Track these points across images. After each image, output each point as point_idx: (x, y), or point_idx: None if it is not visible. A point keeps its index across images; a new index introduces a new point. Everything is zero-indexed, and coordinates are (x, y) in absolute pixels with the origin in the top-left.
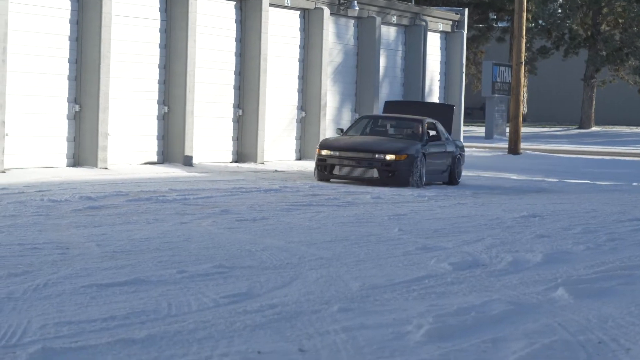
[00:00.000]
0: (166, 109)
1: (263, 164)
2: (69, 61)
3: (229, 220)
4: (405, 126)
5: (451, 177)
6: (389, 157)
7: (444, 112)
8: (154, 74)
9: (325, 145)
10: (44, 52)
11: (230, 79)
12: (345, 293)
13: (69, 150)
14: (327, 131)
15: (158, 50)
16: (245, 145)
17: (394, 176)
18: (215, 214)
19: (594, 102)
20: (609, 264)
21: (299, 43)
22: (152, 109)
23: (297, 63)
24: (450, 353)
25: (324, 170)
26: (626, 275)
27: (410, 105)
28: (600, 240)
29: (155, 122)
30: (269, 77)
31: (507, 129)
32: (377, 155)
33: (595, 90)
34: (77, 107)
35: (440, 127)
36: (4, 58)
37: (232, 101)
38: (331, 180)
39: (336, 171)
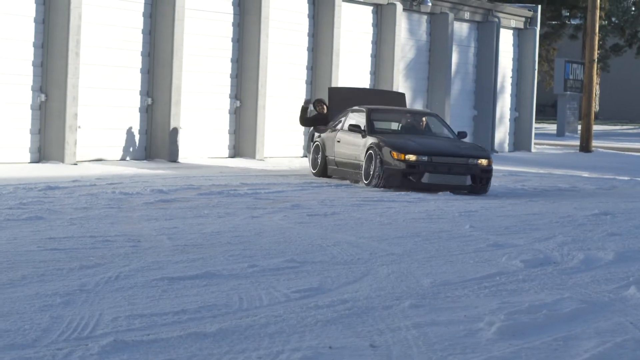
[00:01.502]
0: (238, 103)
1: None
2: (142, 54)
3: (300, 214)
4: (418, 120)
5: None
6: (482, 162)
7: (395, 100)
8: (227, 67)
9: (406, 148)
10: (117, 45)
11: (302, 74)
12: (417, 289)
13: (140, 144)
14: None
15: (231, 44)
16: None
17: (483, 183)
18: (287, 208)
19: None
20: None
21: (371, 38)
22: (224, 103)
23: (369, 59)
24: (522, 351)
25: (408, 178)
26: None
27: (357, 93)
28: None
29: (227, 116)
30: (341, 72)
31: (579, 127)
32: (470, 161)
33: None
34: (149, 100)
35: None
36: (77, 51)
37: (304, 96)
38: (416, 189)
39: (425, 179)
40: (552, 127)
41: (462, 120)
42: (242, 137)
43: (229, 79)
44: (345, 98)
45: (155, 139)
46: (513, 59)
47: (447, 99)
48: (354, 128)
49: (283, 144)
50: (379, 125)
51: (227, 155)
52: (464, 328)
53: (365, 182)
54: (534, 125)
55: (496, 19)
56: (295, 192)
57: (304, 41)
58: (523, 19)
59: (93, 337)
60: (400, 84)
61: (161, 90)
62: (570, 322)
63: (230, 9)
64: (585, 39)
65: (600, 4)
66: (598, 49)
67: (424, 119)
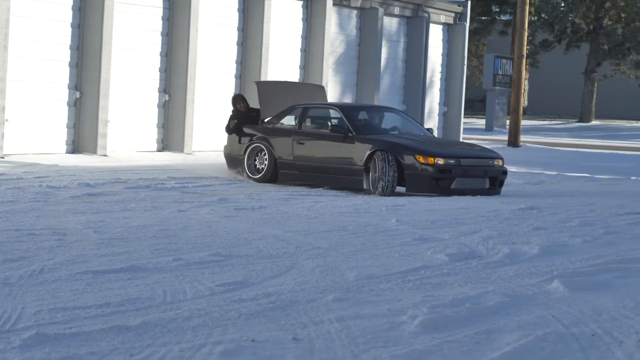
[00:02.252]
0: (167, 96)
1: None
2: (71, 48)
3: (227, 208)
4: (391, 120)
5: None
6: (499, 162)
7: (315, 94)
8: (156, 61)
9: (432, 151)
10: (45, 38)
11: (232, 68)
12: (341, 283)
13: (69, 137)
14: None
15: (160, 38)
16: None
17: (499, 185)
18: (214, 202)
19: (595, 96)
20: (605, 257)
21: (301, 33)
22: (153, 97)
23: (299, 53)
24: (444, 344)
25: (438, 183)
26: (622, 268)
27: (284, 86)
28: (597, 233)
29: (156, 110)
30: (270, 66)
31: (508, 122)
32: (490, 162)
33: (596, 84)
34: (77, 94)
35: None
36: (5, 44)
37: (233, 90)
38: (444, 194)
39: (454, 184)
40: (480, 122)
41: None
42: (171, 131)
43: (158, 73)
44: (275, 92)
45: (84, 133)
46: (442, 54)
47: (377, 93)
48: (339, 128)
49: (212, 138)
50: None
51: (155, 149)
52: (387, 321)
53: (371, 189)
54: (463, 120)
55: (426, 14)
56: (222, 186)
57: (233, 35)
58: (453, 14)
59: (15, 331)
60: (330, 78)
61: (90, 83)
62: (493, 316)
63: (160, 3)
64: (514, 34)
65: (529, 0)
66: (527, 45)
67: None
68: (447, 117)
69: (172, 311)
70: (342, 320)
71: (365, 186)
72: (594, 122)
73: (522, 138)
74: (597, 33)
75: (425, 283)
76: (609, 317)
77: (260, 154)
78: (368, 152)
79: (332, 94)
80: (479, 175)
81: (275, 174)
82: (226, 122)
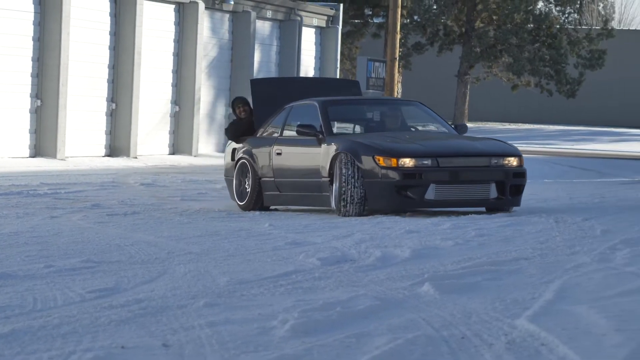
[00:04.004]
0: (39, 102)
1: (136, 158)
2: None
3: (100, 214)
4: (395, 114)
5: None
6: (511, 161)
7: (347, 90)
8: (27, 66)
9: (398, 149)
10: None
11: (104, 73)
12: (213, 288)
13: None
14: (201, 126)
15: (31, 42)
16: (118, 139)
17: (514, 194)
18: (86, 208)
19: (468, 98)
20: (476, 259)
21: (173, 37)
22: (24, 102)
23: (172, 57)
24: (314, 348)
25: (404, 194)
26: (493, 270)
27: (291, 85)
28: (469, 235)
29: (28, 115)
30: (143, 71)
31: None
32: (493, 161)
33: (469, 87)
34: None
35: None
36: None
37: (106, 95)
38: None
39: (431, 194)
40: None
41: None
42: (43, 137)
43: (30, 78)
44: (275, 93)
45: None
46: (315, 57)
47: (250, 97)
48: (304, 130)
49: (85, 144)
50: (342, 125)
51: (27, 155)
52: (258, 326)
53: (335, 207)
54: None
55: (298, 18)
56: (95, 192)
57: (105, 40)
58: (325, 17)
59: None
60: (203, 82)
61: None
62: (363, 319)
63: (31, 7)
64: (387, 37)
65: (402, 3)
66: (400, 48)
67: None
68: None
69: (42, 319)
70: (213, 325)
71: (333, 204)
72: (468, 125)
73: None
74: (469, 35)
75: (296, 287)
76: (478, 319)
77: (248, 173)
78: (331, 157)
79: (205, 98)
80: (476, 179)
81: (261, 198)
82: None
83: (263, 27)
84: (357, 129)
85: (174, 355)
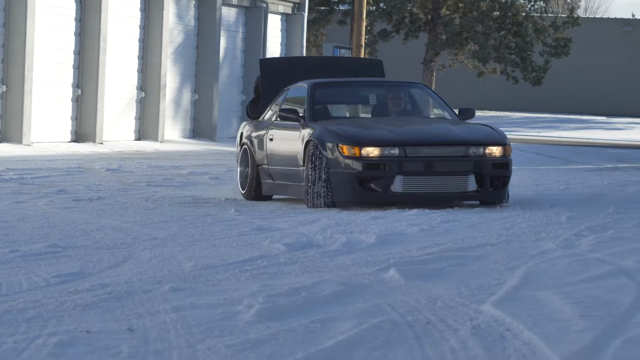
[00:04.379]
0: (4, 88)
1: (102, 143)
2: None
3: (66, 199)
4: (396, 97)
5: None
6: (493, 150)
7: (366, 71)
8: None
9: (362, 137)
10: None
11: (69, 59)
12: (178, 273)
13: None
14: (167, 112)
15: None
16: (84, 125)
17: (497, 186)
18: (52, 193)
19: (434, 85)
20: (441, 245)
21: (139, 23)
22: None
23: (137, 43)
24: (280, 333)
25: (367, 187)
26: (458, 256)
27: (302, 65)
28: (435, 221)
29: None
30: (109, 57)
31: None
32: (472, 150)
33: (434, 74)
34: None
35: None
36: None
37: (72, 81)
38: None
39: (398, 186)
40: None
41: (231, 105)
42: (9, 122)
43: None
44: (285, 73)
45: None
46: (281, 44)
47: (216, 83)
48: (287, 114)
49: (51, 129)
50: (334, 108)
51: None
52: (223, 311)
53: (304, 199)
54: None
55: (264, 4)
56: (61, 177)
57: (71, 26)
58: (291, 4)
59: None
60: (169, 68)
61: None
62: (328, 305)
63: None
64: (353, 24)
65: None
66: (366, 35)
67: (401, 95)
68: None
69: (6, 303)
70: (178, 310)
71: (304, 195)
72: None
73: None
74: (435, 23)
75: (262, 273)
76: (443, 304)
77: (249, 159)
78: (304, 145)
79: (171, 84)
80: (451, 171)
81: (259, 186)
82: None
83: (229, 14)
84: (350, 113)
85: (138, 339)
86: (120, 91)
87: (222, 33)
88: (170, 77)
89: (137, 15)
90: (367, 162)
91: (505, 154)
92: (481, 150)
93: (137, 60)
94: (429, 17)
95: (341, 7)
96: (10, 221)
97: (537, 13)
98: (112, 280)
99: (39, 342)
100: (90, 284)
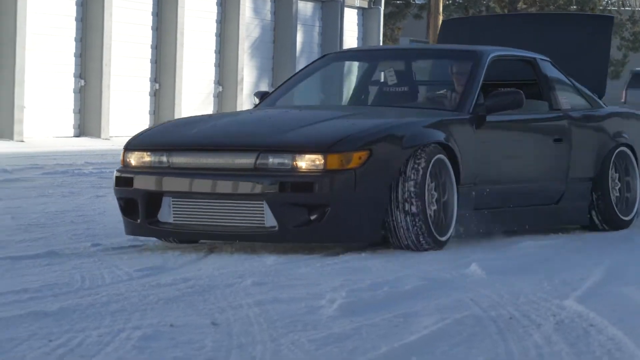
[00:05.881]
0: (82, 82)
1: None
2: None
3: None
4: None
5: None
6: (301, 161)
7: (593, 35)
8: (70, 47)
9: (139, 138)
10: None
11: (147, 53)
12: (260, 267)
13: None
14: (245, 105)
15: (74, 23)
16: (162, 119)
17: (322, 222)
18: None
19: None
20: (523, 241)
21: (215, 17)
22: (68, 82)
23: (214, 37)
24: (362, 327)
25: (131, 213)
26: (539, 252)
27: (497, 26)
28: None
29: (72, 95)
30: (186, 51)
31: None
32: (270, 160)
33: None
34: None
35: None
36: None
37: (149, 75)
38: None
39: (166, 214)
40: None
41: None
42: (87, 116)
43: (73, 58)
44: (468, 38)
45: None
46: (357, 38)
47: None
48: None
49: (128, 123)
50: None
51: (72, 135)
52: (306, 305)
53: None
54: None
55: None
56: None
57: (148, 20)
58: None
59: None
60: (246, 63)
61: (4, 69)
62: (411, 299)
63: None
64: (429, 18)
65: None
66: None
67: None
68: None
69: (90, 297)
70: (261, 304)
71: None
72: None
73: None
74: None
75: (344, 267)
76: (526, 299)
77: None
78: None
79: (248, 79)
80: (235, 193)
81: None
82: None
83: (305, 8)
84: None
85: (222, 333)
86: (198, 85)
87: (298, 27)
88: (247, 72)
89: (213, 10)
90: (123, 175)
91: (327, 167)
92: (285, 159)
93: (214, 55)
94: (506, 10)
95: (417, 1)
96: (92, 215)
97: (614, 7)
98: (194, 275)
99: (123, 336)
100: (173, 278)
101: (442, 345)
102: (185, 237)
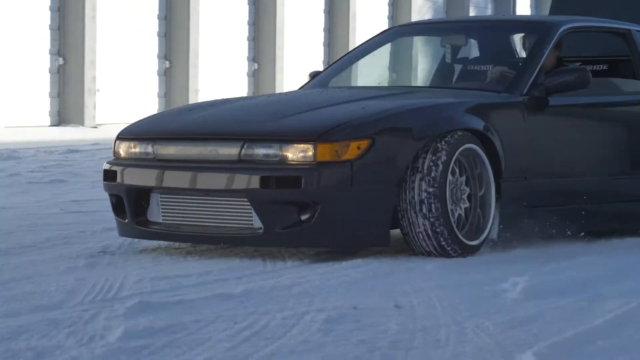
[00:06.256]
0: (256, 65)
1: None
2: (159, 17)
3: None
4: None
5: None
6: (289, 152)
7: None
8: (243, 30)
9: (135, 126)
10: (132, 8)
11: (319, 36)
12: None
13: (160, 107)
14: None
15: (247, 6)
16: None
17: (311, 223)
18: None
19: None
20: None
21: (387, 0)
22: (242, 66)
23: (387, 21)
24: (547, 311)
25: (119, 212)
26: None
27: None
28: None
29: (246, 79)
30: (358, 35)
31: None
32: (255, 150)
33: None
34: (167, 64)
35: None
36: (93, 15)
37: (322, 58)
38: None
39: (155, 212)
40: None
41: None
42: None
43: (247, 42)
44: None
45: (174, 103)
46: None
47: None
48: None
49: None
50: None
51: None
52: (489, 289)
53: None
54: None
55: None
56: None
57: (320, 3)
58: None
59: (118, 299)
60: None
61: (178, 53)
62: (595, 284)
63: None
64: None
65: None
66: None
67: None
68: None
69: (273, 279)
70: (443, 288)
71: None
72: None
73: None
74: None
75: (526, 252)
76: None
77: None
78: None
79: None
80: (219, 189)
81: None
82: None
83: None
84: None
85: (406, 316)
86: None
87: (470, 10)
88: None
89: None
90: (113, 167)
91: (318, 159)
92: (271, 149)
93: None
94: None
95: None
96: None
97: None
98: (375, 258)
99: (307, 318)
100: (354, 262)
101: (629, 329)
102: (173, 239)
